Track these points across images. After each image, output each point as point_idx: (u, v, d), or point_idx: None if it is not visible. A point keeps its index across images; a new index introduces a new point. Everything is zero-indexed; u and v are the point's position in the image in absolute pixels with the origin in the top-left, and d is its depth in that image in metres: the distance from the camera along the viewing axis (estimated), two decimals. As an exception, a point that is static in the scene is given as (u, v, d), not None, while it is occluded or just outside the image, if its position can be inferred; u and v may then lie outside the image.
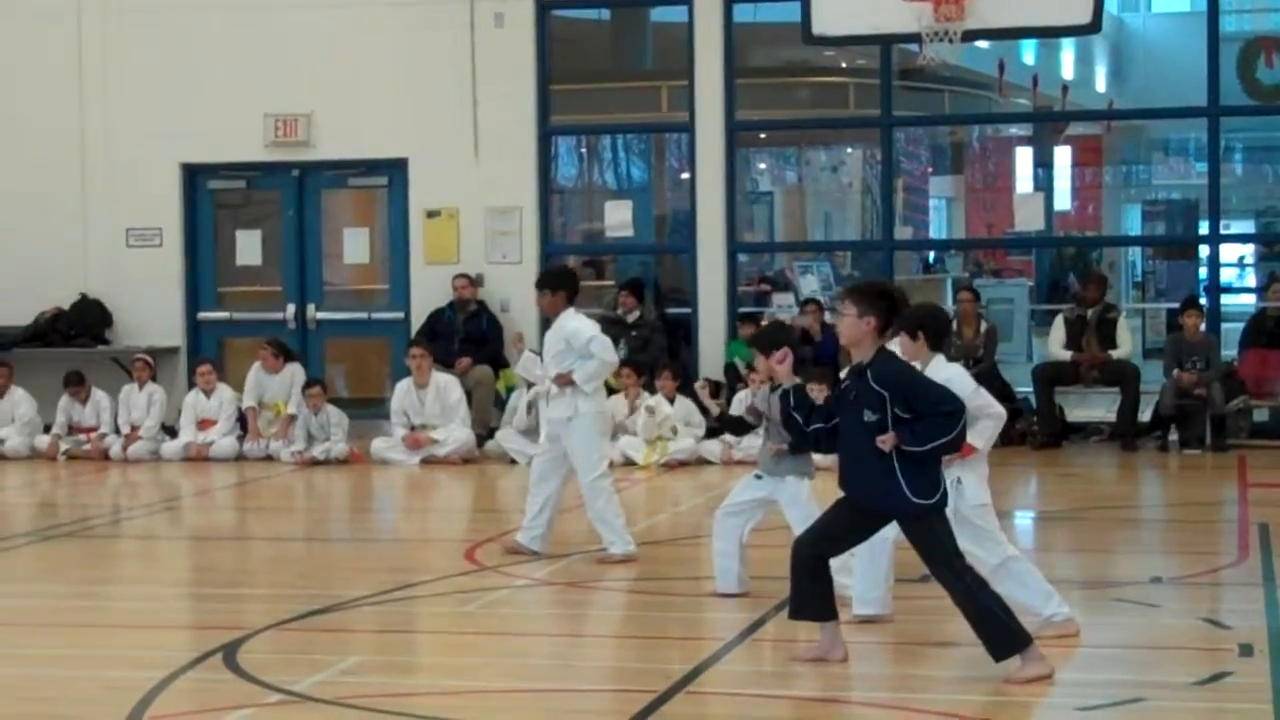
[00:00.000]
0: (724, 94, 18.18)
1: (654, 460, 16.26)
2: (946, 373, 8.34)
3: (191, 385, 18.04)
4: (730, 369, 17.51)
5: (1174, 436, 17.06)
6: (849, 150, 28.42)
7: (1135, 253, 29.85)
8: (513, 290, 17.98)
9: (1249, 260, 28.62)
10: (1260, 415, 17.58)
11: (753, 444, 13.17)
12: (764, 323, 16.81)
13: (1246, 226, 28.87)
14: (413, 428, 16.90)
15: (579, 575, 10.86)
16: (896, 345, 8.30)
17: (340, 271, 19.41)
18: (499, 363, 17.76)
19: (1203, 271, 23.52)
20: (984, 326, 17.79)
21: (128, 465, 17.23)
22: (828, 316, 17.37)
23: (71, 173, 19.08)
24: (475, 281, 18.22)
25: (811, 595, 8.09)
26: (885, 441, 7.71)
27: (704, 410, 15.27)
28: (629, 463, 16.13)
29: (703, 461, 16.36)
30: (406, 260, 18.74)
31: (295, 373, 17.61)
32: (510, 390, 17.29)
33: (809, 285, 23.78)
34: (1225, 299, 19.67)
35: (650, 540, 11.88)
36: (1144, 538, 12.99)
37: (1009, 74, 23.82)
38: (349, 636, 9.39)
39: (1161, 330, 22.10)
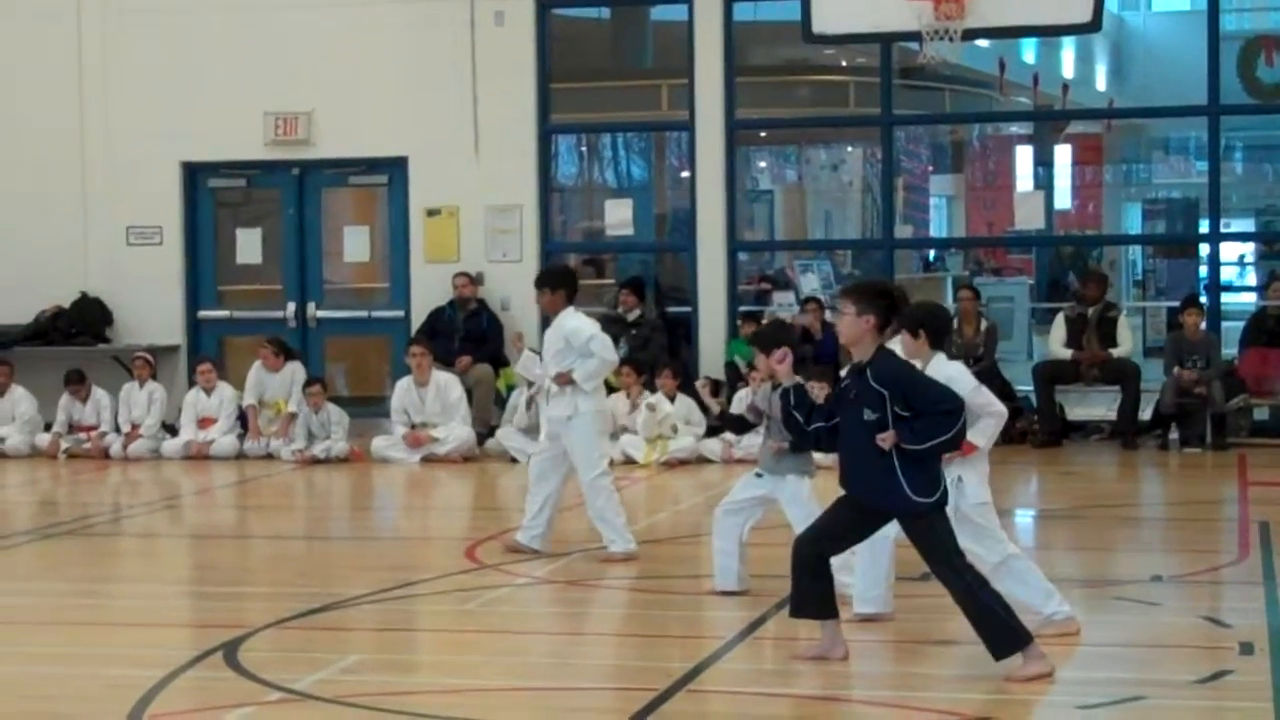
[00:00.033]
0: (724, 92, 18.17)
1: (654, 459, 16.26)
2: (948, 371, 8.35)
3: (192, 384, 18.05)
4: (731, 367, 17.51)
5: (1174, 435, 17.06)
6: (849, 149, 28.44)
7: (1136, 251, 29.87)
8: (513, 289, 17.97)
9: (1249, 259, 28.63)
10: (1260, 414, 17.58)
11: (753, 442, 13.16)
12: (764, 321, 16.81)
13: (1247, 225, 28.92)
14: (413, 426, 16.90)
15: (579, 573, 10.86)
16: (897, 344, 8.30)
17: (340, 270, 19.41)
18: (499, 361, 17.76)
19: (1203, 270, 23.55)
20: (984, 325, 17.79)
21: (128, 463, 17.23)
22: (828, 315, 17.36)
23: (72, 171, 19.08)
24: (475, 280, 18.22)
25: (812, 593, 8.09)
26: (885, 440, 7.71)
27: (704, 409, 15.26)
28: (629, 461, 16.14)
29: (703, 460, 16.36)
30: (407, 259, 18.74)
31: (295, 371, 17.62)
32: (511, 389, 17.28)
33: (809, 284, 23.79)
34: (1225, 297, 19.67)
35: (651, 539, 11.88)
36: (1144, 536, 12.99)
37: (1009, 72, 23.83)
38: (349, 635, 9.40)
39: (1162, 329, 22.10)
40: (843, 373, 8.38)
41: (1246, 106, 20.68)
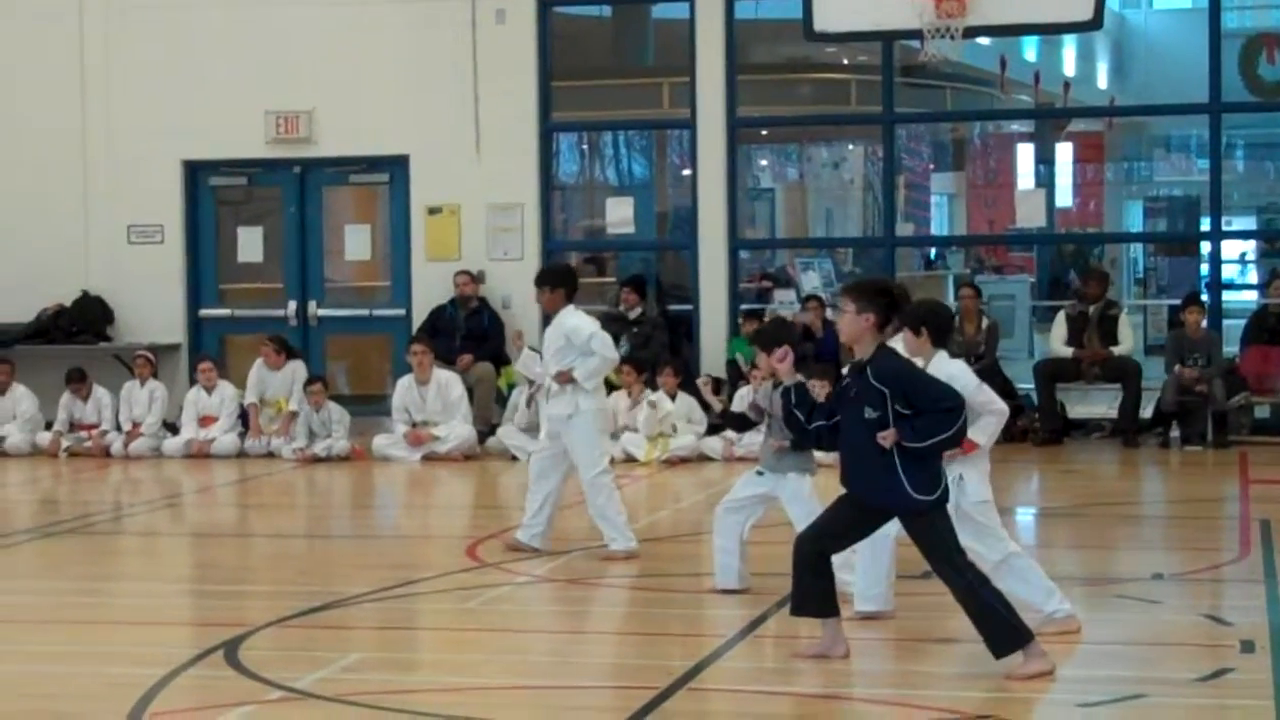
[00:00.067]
0: (725, 90, 18.17)
1: (655, 457, 16.26)
2: (949, 369, 8.34)
3: (193, 382, 18.04)
4: (732, 365, 17.50)
5: (1175, 433, 17.06)
6: (850, 147, 28.44)
7: (1137, 249, 29.90)
8: (514, 287, 17.97)
9: (1250, 257, 28.64)
10: (1261, 412, 17.59)
11: (754, 440, 13.16)
12: (766, 319, 16.80)
13: (1248, 223, 28.94)
14: (414, 424, 16.90)
15: (580, 572, 10.86)
16: (899, 342, 8.30)
17: (341, 268, 19.41)
18: (500, 359, 17.75)
19: (1204, 268, 23.55)
20: (985, 323, 17.78)
21: (129, 462, 17.23)
22: (829, 313, 17.36)
23: (73, 170, 19.08)
24: (476, 278, 18.21)
25: (813, 591, 8.08)
26: (886, 438, 7.71)
27: (705, 406, 15.25)
28: (630, 459, 16.13)
29: (704, 458, 16.36)
30: (408, 257, 18.74)
31: (296, 369, 17.62)
32: (511, 387, 17.28)
33: (810, 282, 23.80)
34: (1227, 295, 19.66)
35: (651, 537, 11.87)
36: (1145, 534, 12.99)
37: (1011, 70, 23.82)
38: (350, 633, 9.39)
39: (1163, 327, 22.10)
40: (844, 371, 8.38)
41: (1248, 104, 20.71)
